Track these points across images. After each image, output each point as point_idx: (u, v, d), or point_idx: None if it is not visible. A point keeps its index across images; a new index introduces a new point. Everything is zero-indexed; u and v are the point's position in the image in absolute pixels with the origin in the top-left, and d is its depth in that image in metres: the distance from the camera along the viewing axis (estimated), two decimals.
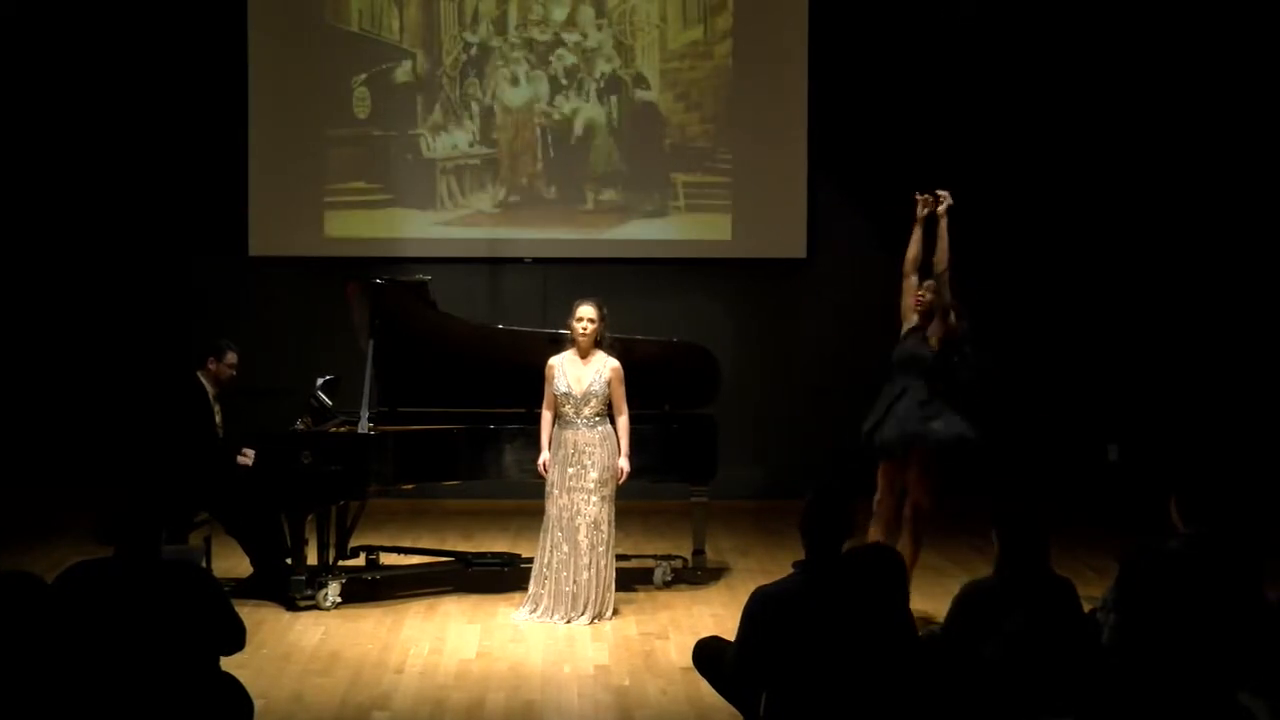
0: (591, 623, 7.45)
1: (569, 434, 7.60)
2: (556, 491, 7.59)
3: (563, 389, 7.58)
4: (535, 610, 7.54)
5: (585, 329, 7.59)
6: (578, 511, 7.54)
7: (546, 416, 7.68)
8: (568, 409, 7.60)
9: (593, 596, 7.50)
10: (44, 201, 11.05)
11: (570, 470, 7.57)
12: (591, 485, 7.55)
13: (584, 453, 7.57)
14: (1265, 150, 11.04)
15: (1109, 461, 10.19)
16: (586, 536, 7.52)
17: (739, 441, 10.02)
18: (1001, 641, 4.91)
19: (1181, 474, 6.28)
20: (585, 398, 7.58)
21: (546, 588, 7.55)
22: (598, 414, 7.61)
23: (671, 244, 11.21)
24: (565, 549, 7.53)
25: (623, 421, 7.67)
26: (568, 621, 7.44)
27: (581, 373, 7.61)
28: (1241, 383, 11.02)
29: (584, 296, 7.75)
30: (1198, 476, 5.61)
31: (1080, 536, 9.21)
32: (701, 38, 11.19)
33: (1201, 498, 5.36)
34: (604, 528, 7.57)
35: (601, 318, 7.63)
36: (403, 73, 11.13)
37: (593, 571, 7.51)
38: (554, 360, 7.66)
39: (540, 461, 7.67)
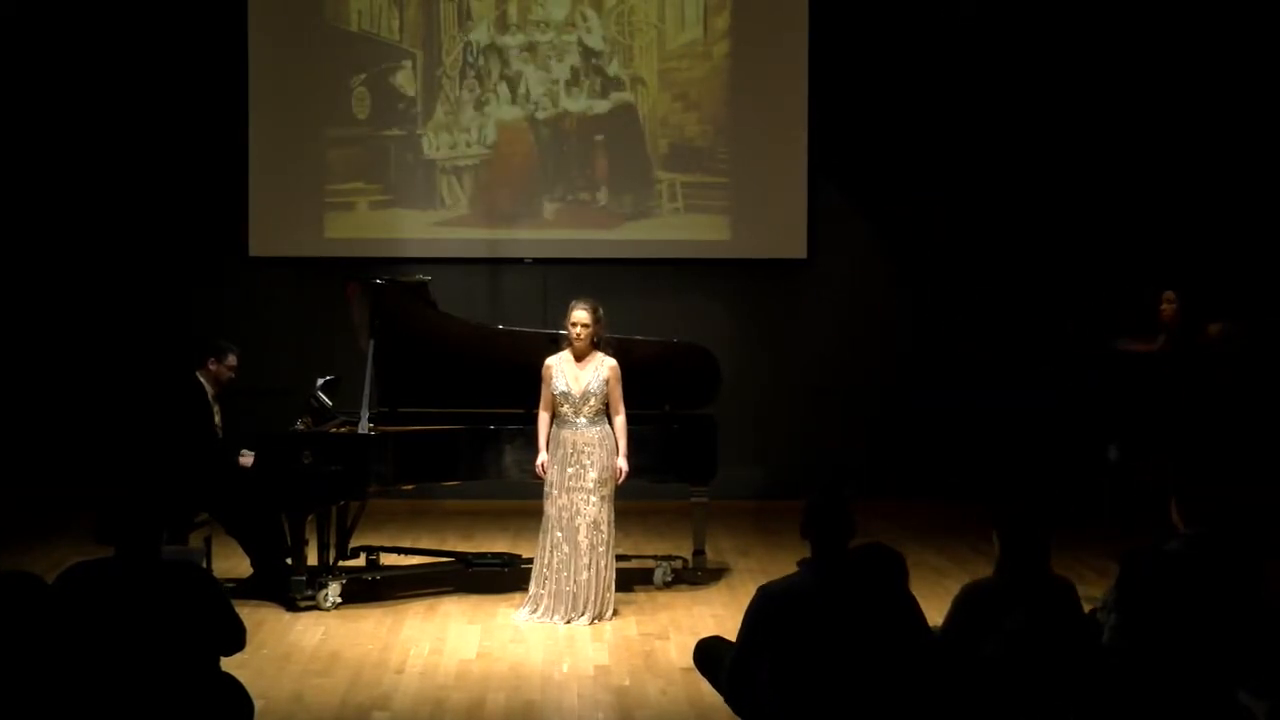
0: (592, 623, 7.44)
1: (567, 434, 7.59)
2: (556, 492, 7.58)
3: (561, 388, 7.57)
4: (535, 611, 7.54)
5: (580, 334, 7.57)
6: (577, 512, 7.53)
7: (543, 417, 7.67)
8: (566, 409, 7.59)
9: (593, 597, 7.50)
10: (44, 202, 11.03)
11: (569, 470, 7.56)
12: (590, 485, 7.54)
13: (583, 453, 7.56)
14: (1266, 150, 11.03)
15: (1109, 461, 10.15)
16: (586, 537, 7.52)
17: (739, 441, 10.01)
18: (1002, 641, 4.91)
19: (1181, 474, 6.28)
20: (584, 397, 7.57)
21: (547, 588, 7.54)
22: (596, 413, 7.60)
23: (670, 244, 11.18)
24: (565, 549, 7.52)
25: (620, 421, 7.66)
26: (568, 622, 7.43)
27: (579, 372, 7.60)
28: (1240, 383, 10.99)
29: (578, 298, 7.71)
30: (1198, 477, 5.62)
31: (1080, 536, 9.20)
32: (700, 38, 11.18)
33: (1201, 498, 5.36)
34: (604, 528, 7.56)
35: (596, 320, 7.60)
36: (403, 73, 11.12)
37: (592, 572, 7.51)
38: (551, 361, 7.64)
39: (539, 462, 7.66)
